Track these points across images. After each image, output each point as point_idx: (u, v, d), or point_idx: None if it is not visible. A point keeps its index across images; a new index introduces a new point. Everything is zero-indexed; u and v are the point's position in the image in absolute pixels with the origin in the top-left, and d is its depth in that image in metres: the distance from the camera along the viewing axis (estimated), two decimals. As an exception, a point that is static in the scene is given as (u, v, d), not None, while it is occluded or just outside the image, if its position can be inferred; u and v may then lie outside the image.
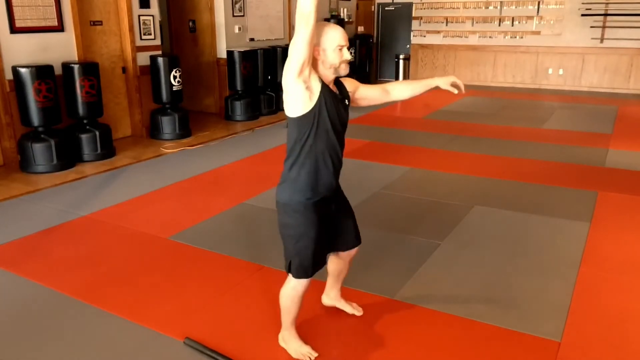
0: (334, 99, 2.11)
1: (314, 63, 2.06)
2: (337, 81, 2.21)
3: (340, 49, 2.06)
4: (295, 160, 2.12)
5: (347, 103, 2.23)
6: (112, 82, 6.31)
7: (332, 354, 2.38)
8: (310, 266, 2.20)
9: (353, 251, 2.49)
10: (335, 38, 2.05)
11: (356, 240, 2.46)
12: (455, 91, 2.39)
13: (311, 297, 2.82)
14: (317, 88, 2.05)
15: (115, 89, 6.39)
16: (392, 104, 8.48)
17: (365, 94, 2.39)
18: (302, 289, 2.26)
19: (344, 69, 2.10)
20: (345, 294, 2.76)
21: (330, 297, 2.71)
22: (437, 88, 2.39)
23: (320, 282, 2.75)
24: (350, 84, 2.32)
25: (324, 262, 2.31)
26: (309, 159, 2.10)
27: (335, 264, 2.56)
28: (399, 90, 2.46)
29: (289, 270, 2.24)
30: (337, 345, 2.45)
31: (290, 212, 2.17)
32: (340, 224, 2.37)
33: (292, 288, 2.27)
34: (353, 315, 2.66)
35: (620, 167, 5.26)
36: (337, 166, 2.19)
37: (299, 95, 2.02)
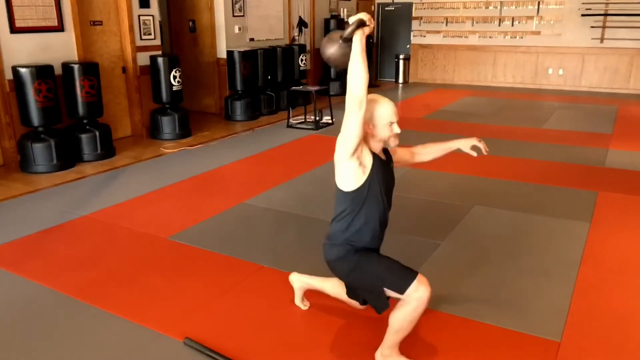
0: (383, 167, 2.20)
1: (364, 137, 2.12)
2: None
3: (391, 125, 2.13)
4: (347, 228, 2.20)
5: (392, 165, 2.31)
6: (112, 82, 6.31)
7: (332, 353, 2.37)
8: (403, 271, 2.14)
9: (355, 306, 2.57)
10: (386, 115, 2.13)
11: (365, 303, 2.48)
12: (475, 154, 2.45)
13: (315, 299, 2.82)
14: (369, 162, 2.13)
15: (115, 89, 6.39)
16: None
17: (399, 157, 2.47)
18: (423, 307, 2.10)
19: (393, 142, 2.18)
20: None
21: (301, 282, 2.70)
22: (458, 150, 2.48)
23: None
24: (391, 149, 2.38)
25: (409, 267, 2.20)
26: (360, 226, 2.18)
27: (341, 294, 2.57)
28: (422, 154, 2.56)
29: (400, 291, 2.10)
30: (337, 346, 2.45)
31: (346, 258, 2.22)
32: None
33: (413, 310, 2.11)
34: (354, 316, 2.65)
35: (620, 167, 5.26)
36: (384, 229, 2.28)
37: (352, 171, 2.11)
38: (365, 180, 2.13)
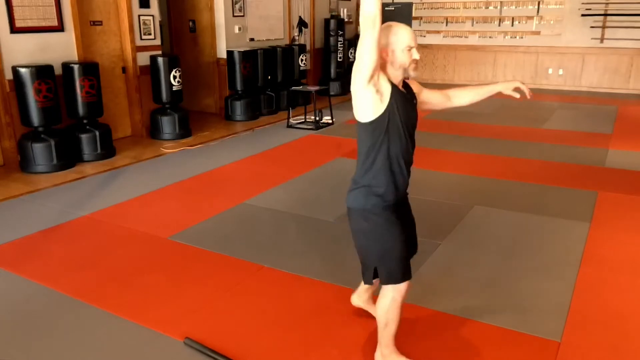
0: (404, 99, 2.07)
1: (382, 64, 2.01)
2: (404, 82, 2.15)
3: (410, 50, 2.00)
4: (370, 166, 2.07)
5: (415, 102, 2.18)
6: (112, 82, 6.31)
7: (332, 353, 2.37)
8: (402, 268, 2.09)
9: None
10: (405, 39, 1.99)
11: (416, 249, 2.37)
12: (518, 95, 2.33)
13: (315, 299, 2.82)
14: (387, 90, 1.99)
15: (115, 89, 6.39)
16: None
17: (428, 98, 2.34)
18: (402, 297, 2.12)
19: (413, 70, 2.04)
20: (346, 294, 2.76)
21: (363, 299, 2.62)
22: (500, 94, 2.35)
23: (338, 287, 2.74)
24: (415, 86, 2.26)
25: (410, 268, 2.15)
26: (383, 163, 2.05)
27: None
28: (459, 97, 2.42)
29: (389, 281, 2.10)
30: (337, 346, 2.45)
31: (368, 216, 2.10)
32: (412, 234, 2.31)
33: (392, 300, 2.12)
34: (354, 316, 2.65)
35: (620, 167, 5.26)
36: (409, 169, 2.14)
37: (369, 100, 1.98)
38: (384, 110, 2.00)
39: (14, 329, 2.60)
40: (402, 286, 2.11)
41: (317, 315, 2.68)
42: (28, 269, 3.20)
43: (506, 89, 2.31)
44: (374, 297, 2.63)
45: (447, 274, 3.12)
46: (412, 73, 2.05)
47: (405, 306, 2.73)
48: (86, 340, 2.49)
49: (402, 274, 2.10)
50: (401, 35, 2.00)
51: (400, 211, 2.17)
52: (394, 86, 2.03)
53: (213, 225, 3.87)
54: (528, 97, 2.30)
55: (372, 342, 2.44)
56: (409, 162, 2.13)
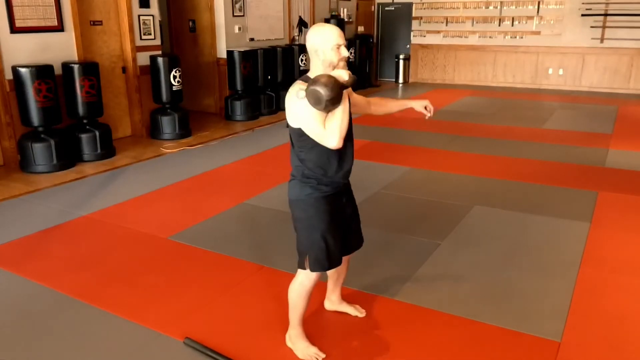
0: None
1: (315, 64, 2.11)
2: None
3: (338, 47, 2.08)
4: (302, 158, 2.17)
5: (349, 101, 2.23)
6: (112, 82, 6.31)
7: (332, 354, 2.37)
8: (325, 259, 2.20)
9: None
10: (332, 38, 2.07)
11: (360, 242, 2.48)
12: (428, 114, 2.49)
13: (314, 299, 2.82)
14: None
15: (115, 89, 6.39)
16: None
17: (355, 101, 2.45)
18: (310, 284, 2.26)
19: (343, 67, 2.11)
20: (346, 294, 2.77)
21: (332, 301, 2.70)
22: (411, 109, 2.53)
23: (323, 283, 2.73)
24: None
25: (339, 259, 2.28)
26: (315, 154, 2.13)
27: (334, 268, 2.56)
28: (377, 106, 2.58)
29: (301, 266, 2.24)
30: (337, 345, 2.45)
31: (301, 205, 2.22)
32: (350, 225, 2.38)
33: (300, 283, 2.28)
34: (353, 318, 2.65)
35: (620, 167, 5.26)
36: (345, 158, 2.20)
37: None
38: None
39: (14, 329, 2.60)
40: (314, 274, 2.23)
41: (316, 315, 2.68)
42: (28, 269, 3.20)
43: (418, 105, 2.50)
44: (346, 297, 2.73)
45: (447, 274, 3.12)
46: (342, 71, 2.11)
47: (405, 306, 2.75)
48: (86, 340, 2.49)
49: (327, 264, 2.21)
50: (329, 35, 2.08)
51: (336, 202, 2.25)
52: None
53: (213, 225, 3.87)
54: (430, 114, 2.49)
55: (372, 342, 2.45)
56: (343, 154, 2.20)
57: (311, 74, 2.11)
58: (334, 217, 2.22)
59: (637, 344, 2.46)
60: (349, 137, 2.18)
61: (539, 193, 4.52)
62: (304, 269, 2.24)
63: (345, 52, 2.09)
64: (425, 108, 2.49)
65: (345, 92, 2.02)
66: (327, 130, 1.99)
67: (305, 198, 2.19)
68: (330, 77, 1.95)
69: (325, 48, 2.06)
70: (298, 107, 2.04)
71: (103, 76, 5.94)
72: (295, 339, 2.37)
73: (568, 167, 5.30)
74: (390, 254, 3.38)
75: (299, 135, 2.11)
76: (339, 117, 1.98)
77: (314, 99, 1.94)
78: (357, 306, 2.70)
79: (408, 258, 3.32)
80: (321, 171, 2.16)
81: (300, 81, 2.08)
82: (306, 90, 1.97)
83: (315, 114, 1.99)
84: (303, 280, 2.27)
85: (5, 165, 5.27)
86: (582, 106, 8.80)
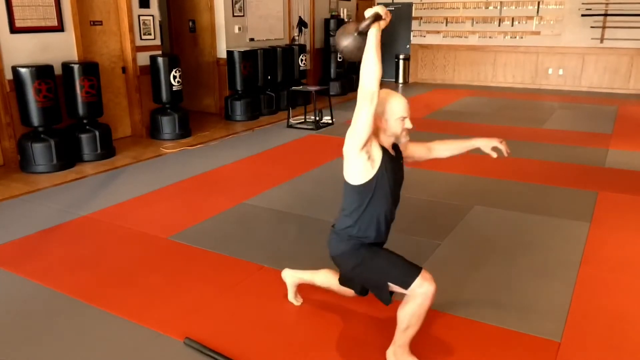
0: (393, 162, 2.19)
1: (375, 131, 2.12)
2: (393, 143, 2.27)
3: (403, 120, 2.12)
4: (354, 223, 2.20)
5: (402, 161, 2.30)
6: (112, 82, 6.31)
7: (332, 354, 2.37)
8: (407, 266, 2.15)
9: (348, 294, 2.58)
10: (398, 110, 2.11)
11: (361, 293, 2.49)
12: (495, 155, 2.42)
13: (314, 299, 2.82)
14: (378, 156, 2.12)
15: (115, 89, 6.39)
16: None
17: (412, 152, 2.44)
18: (430, 301, 2.11)
19: (404, 137, 2.17)
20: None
21: (294, 278, 2.72)
22: (478, 149, 2.45)
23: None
24: (401, 145, 2.36)
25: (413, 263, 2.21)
26: (366, 222, 2.18)
27: (333, 284, 2.58)
28: (439, 151, 2.53)
29: (404, 286, 2.11)
30: (338, 346, 2.45)
31: (353, 253, 2.22)
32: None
33: (419, 305, 2.11)
34: (354, 315, 2.65)
35: (620, 167, 5.26)
36: (390, 224, 2.28)
37: (361, 166, 2.10)
38: (373, 175, 2.12)
39: (14, 329, 2.59)
40: (431, 290, 2.09)
41: (316, 315, 2.68)
42: (28, 269, 3.20)
43: (485, 146, 2.43)
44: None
45: (447, 274, 3.11)
46: (403, 140, 2.20)
47: (405, 306, 2.74)
48: (86, 340, 2.49)
49: (412, 269, 2.15)
50: (396, 106, 2.12)
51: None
52: (384, 151, 2.15)
53: (213, 225, 3.87)
54: (505, 154, 2.41)
55: (373, 341, 2.45)
56: (391, 221, 2.28)
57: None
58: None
59: (637, 343, 2.46)
60: (397, 199, 2.25)
61: (539, 193, 4.52)
62: (412, 281, 2.10)
63: (409, 125, 2.14)
64: (495, 149, 2.41)
65: (374, 33, 1.99)
66: (361, 75, 1.98)
67: (351, 248, 2.22)
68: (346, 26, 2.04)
69: (390, 117, 2.11)
70: (352, 159, 2.09)
71: (103, 76, 5.94)
72: (401, 356, 2.25)
73: (568, 167, 5.30)
74: (390, 254, 3.37)
75: (357, 194, 2.15)
76: (370, 52, 1.97)
77: (339, 46, 2.03)
78: (299, 297, 2.76)
79: (408, 258, 3.31)
80: (370, 233, 2.21)
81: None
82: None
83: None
84: (422, 301, 2.10)
85: (5, 165, 5.27)
86: (582, 106, 8.80)
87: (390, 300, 2.23)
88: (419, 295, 2.10)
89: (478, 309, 2.73)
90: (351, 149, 2.07)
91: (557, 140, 6.41)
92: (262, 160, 5.67)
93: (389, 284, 2.17)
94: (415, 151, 2.46)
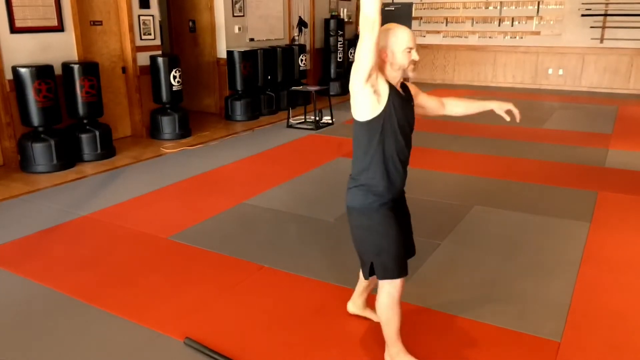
0: (401, 100, 2.09)
1: (381, 65, 2.04)
2: (402, 83, 2.18)
3: (409, 51, 2.03)
4: (367, 165, 2.10)
5: (412, 104, 2.20)
6: (112, 82, 6.31)
7: (332, 354, 2.37)
8: (395, 266, 2.12)
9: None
10: (404, 40, 2.02)
11: (414, 250, 2.40)
12: (508, 118, 2.38)
13: (314, 299, 2.82)
14: (385, 91, 2.03)
15: (115, 89, 6.39)
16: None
17: (424, 102, 2.36)
18: (398, 292, 2.14)
19: (412, 70, 2.07)
20: (346, 294, 2.77)
21: (357, 305, 2.64)
22: (492, 111, 2.40)
23: (338, 287, 2.74)
24: (413, 88, 2.28)
25: (406, 266, 2.18)
26: (379, 162, 2.08)
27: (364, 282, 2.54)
28: (453, 106, 2.45)
29: (385, 276, 2.12)
30: (337, 346, 2.45)
31: (366, 213, 2.14)
32: (407, 233, 2.32)
33: (388, 294, 2.14)
34: (354, 316, 2.66)
35: (620, 167, 5.26)
36: (405, 168, 2.18)
37: (367, 100, 2.01)
38: (382, 111, 2.03)
39: (14, 329, 2.59)
40: (398, 281, 2.13)
41: (317, 315, 2.68)
42: (28, 269, 3.20)
43: (499, 108, 2.36)
44: (371, 303, 2.64)
45: (447, 274, 3.12)
46: (410, 74, 2.08)
47: (405, 306, 2.73)
48: (86, 340, 2.49)
49: (398, 269, 2.12)
50: (401, 37, 2.02)
51: (397, 209, 2.20)
52: (392, 87, 2.05)
53: (213, 225, 3.87)
54: (517, 120, 2.37)
55: (371, 342, 2.45)
56: (405, 162, 2.16)
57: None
58: (399, 224, 2.16)
59: (637, 343, 2.46)
60: (408, 143, 2.15)
61: (539, 193, 4.52)
62: (389, 278, 2.11)
63: (415, 56, 2.04)
64: (509, 112, 2.35)
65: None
66: (362, 2, 1.91)
67: (369, 205, 2.12)
68: None
69: (396, 50, 2.02)
70: (359, 92, 2.00)
71: (103, 76, 5.94)
72: (397, 356, 2.24)
73: (568, 167, 5.30)
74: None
75: (366, 132, 2.06)
76: None
77: None
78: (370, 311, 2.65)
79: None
80: (385, 180, 2.10)
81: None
82: None
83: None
84: (389, 290, 2.13)
85: (5, 165, 5.27)
86: (582, 106, 8.80)
87: (368, 277, 2.21)
88: (387, 283, 2.14)
89: (478, 309, 2.73)
90: (356, 82, 1.99)
91: (557, 140, 6.41)
92: (262, 160, 5.67)
93: (373, 263, 2.15)
94: (427, 101, 2.38)
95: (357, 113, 2.07)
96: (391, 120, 2.05)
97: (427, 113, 2.41)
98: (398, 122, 2.06)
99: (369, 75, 1.96)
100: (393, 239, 2.12)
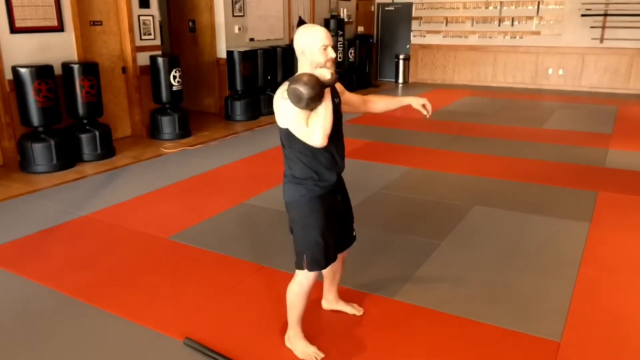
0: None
1: (304, 64, 2.12)
2: None
3: (325, 49, 2.08)
4: (294, 159, 2.17)
5: (338, 101, 2.25)
6: (112, 82, 6.31)
7: (331, 354, 2.37)
8: (322, 258, 2.22)
9: (346, 251, 2.54)
10: (318, 38, 2.07)
11: (353, 239, 2.50)
12: (425, 112, 2.47)
13: (313, 298, 2.82)
14: None
15: (115, 89, 6.39)
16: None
17: (349, 100, 2.44)
18: (309, 284, 2.27)
19: (330, 67, 2.10)
20: (345, 294, 2.77)
21: (329, 300, 2.71)
22: (409, 106, 2.51)
23: (320, 283, 2.74)
24: (338, 86, 2.36)
25: (335, 257, 2.31)
26: (306, 155, 2.14)
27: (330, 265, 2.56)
28: (374, 103, 2.55)
29: (299, 266, 2.25)
30: (337, 346, 2.45)
31: (297, 206, 2.22)
32: (344, 223, 2.40)
33: (299, 283, 2.28)
34: (353, 316, 2.66)
35: (620, 167, 5.26)
36: (336, 159, 2.21)
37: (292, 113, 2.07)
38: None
39: (14, 329, 2.59)
40: (312, 274, 2.24)
41: (316, 315, 2.68)
42: (28, 269, 3.20)
43: (416, 103, 2.47)
44: (342, 296, 2.74)
45: (447, 274, 3.12)
46: (329, 71, 2.11)
47: (405, 306, 2.74)
48: (86, 340, 2.49)
49: (323, 263, 2.23)
50: (315, 35, 2.09)
51: (330, 200, 2.25)
52: None
53: (213, 225, 3.87)
54: (429, 114, 2.48)
55: (372, 342, 2.45)
56: (335, 154, 2.21)
57: None
58: (329, 215, 2.23)
59: (637, 343, 2.46)
60: (338, 136, 2.19)
61: (539, 193, 4.52)
62: (302, 269, 2.24)
63: (332, 53, 2.09)
64: (424, 107, 2.46)
65: (326, 90, 2.01)
66: (311, 129, 2.00)
67: (299, 199, 2.20)
68: (311, 75, 1.96)
69: (313, 49, 2.07)
70: (283, 107, 2.05)
71: (103, 76, 5.94)
72: (294, 339, 2.38)
73: (568, 167, 5.30)
74: (390, 254, 3.38)
75: (288, 136, 2.12)
76: (322, 115, 1.99)
77: (295, 97, 1.95)
78: (354, 305, 2.71)
79: (408, 258, 3.32)
80: (312, 172, 2.17)
81: (288, 82, 2.07)
82: (287, 89, 1.99)
83: (298, 113, 2.00)
84: (302, 280, 2.27)
85: (5, 165, 5.27)
86: (582, 106, 8.80)
87: (302, 268, 2.25)
88: (301, 274, 2.26)
89: (477, 309, 2.73)
90: (290, 127, 2.07)
91: (557, 140, 6.41)
92: (262, 160, 5.67)
93: (305, 255, 2.22)
94: (352, 99, 2.47)
95: (281, 121, 2.12)
96: None
97: (351, 110, 2.49)
98: None
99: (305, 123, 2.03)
100: (321, 232, 2.20)
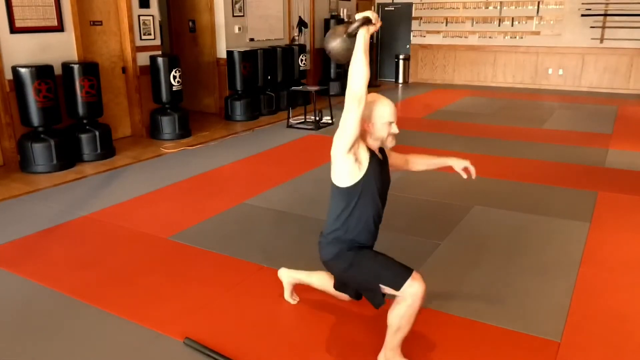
0: (379, 165, 2.22)
1: (362, 134, 2.14)
2: (380, 147, 2.30)
3: (389, 124, 2.15)
4: (341, 226, 2.22)
5: (388, 165, 2.33)
6: (112, 82, 6.31)
7: (331, 353, 2.37)
8: (396, 264, 2.17)
9: (343, 298, 2.61)
10: (385, 115, 2.14)
11: (356, 297, 2.50)
12: (465, 175, 2.50)
13: (314, 299, 2.82)
14: (365, 159, 2.14)
15: (115, 89, 6.39)
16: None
17: (393, 162, 2.48)
18: (419, 300, 2.09)
19: (391, 142, 2.20)
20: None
21: (292, 284, 2.77)
22: (451, 167, 2.52)
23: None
24: (386, 151, 2.40)
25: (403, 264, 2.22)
26: (354, 224, 2.20)
27: (329, 287, 2.59)
28: (415, 164, 2.61)
29: (395, 287, 2.10)
30: (337, 345, 2.45)
31: (341, 257, 2.24)
32: None
33: (409, 306, 2.09)
34: (353, 316, 2.65)
35: (620, 167, 5.26)
36: (378, 228, 2.30)
37: (348, 167, 2.12)
38: (361, 177, 2.14)
39: (14, 329, 2.59)
40: (418, 289, 2.07)
41: (316, 315, 2.68)
42: (28, 269, 3.20)
43: (457, 165, 2.50)
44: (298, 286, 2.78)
45: (447, 274, 3.12)
46: (389, 144, 2.23)
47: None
48: (86, 340, 2.49)
49: (403, 271, 2.14)
50: (383, 110, 2.15)
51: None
52: (372, 153, 2.18)
53: (213, 225, 3.87)
54: (473, 177, 2.50)
55: (372, 342, 2.45)
56: (378, 223, 2.29)
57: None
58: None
59: (637, 343, 2.46)
60: (384, 204, 2.28)
61: (539, 193, 4.52)
62: (398, 289, 2.10)
63: (395, 130, 2.17)
64: (466, 170, 2.47)
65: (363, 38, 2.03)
66: (350, 75, 2.00)
67: (339, 251, 2.23)
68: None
69: (377, 122, 2.14)
70: (336, 153, 2.11)
71: (103, 76, 5.94)
72: (393, 359, 2.25)
73: (568, 167, 5.30)
74: (390, 254, 3.35)
75: (346, 194, 2.16)
76: (358, 54, 1.99)
77: (334, 32, 2.04)
78: (296, 295, 2.79)
79: (408, 258, 3.30)
80: (356, 240, 2.22)
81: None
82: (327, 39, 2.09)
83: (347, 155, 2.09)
84: (413, 302, 2.08)
85: (5, 165, 5.27)
86: (582, 106, 8.80)
87: (383, 302, 2.22)
88: (409, 296, 2.09)
89: (478, 308, 2.73)
90: (339, 151, 2.09)
91: (557, 140, 6.41)
92: (262, 160, 5.67)
93: (381, 285, 2.16)
94: (395, 160, 2.52)
95: (337, 179, 2.17)
96: (369, 186, 2.17)
97: (394, 170, 2.53)
98: (377, 187, 2.19)
99: (352, 145, 2.06)
100: (375, 256, 2.22)
